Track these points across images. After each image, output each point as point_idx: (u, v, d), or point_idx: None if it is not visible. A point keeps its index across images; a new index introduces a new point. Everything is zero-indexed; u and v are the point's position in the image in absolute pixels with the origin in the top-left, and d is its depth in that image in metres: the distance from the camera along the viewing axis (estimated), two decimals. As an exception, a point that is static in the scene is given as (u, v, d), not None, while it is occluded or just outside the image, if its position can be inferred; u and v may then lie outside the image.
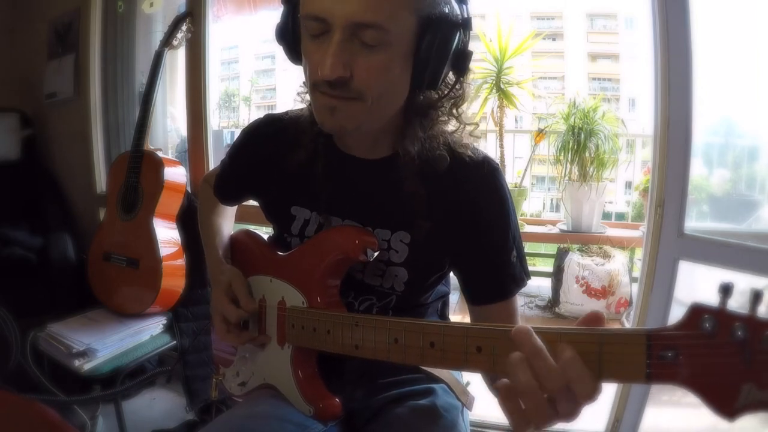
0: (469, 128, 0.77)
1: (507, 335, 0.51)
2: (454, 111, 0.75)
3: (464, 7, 0.66)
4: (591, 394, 0.46)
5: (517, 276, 0.79)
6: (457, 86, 0.72)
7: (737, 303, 0.42)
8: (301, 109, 0.81)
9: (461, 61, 0.68)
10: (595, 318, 0.50)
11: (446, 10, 0.65)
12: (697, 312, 0.43)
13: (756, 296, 0.40)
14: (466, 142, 0.77)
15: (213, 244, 0.93)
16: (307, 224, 0.81)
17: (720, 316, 0.41)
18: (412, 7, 0.62)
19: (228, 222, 1.01)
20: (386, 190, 0.77)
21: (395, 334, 0.62)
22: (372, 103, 0.65)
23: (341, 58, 0.61)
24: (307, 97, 0.78)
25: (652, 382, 0.44)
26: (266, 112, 0.91)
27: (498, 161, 3.20)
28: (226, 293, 0.81)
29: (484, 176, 0.76)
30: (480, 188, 0.75)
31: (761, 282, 1.39)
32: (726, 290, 0.41)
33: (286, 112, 0.85)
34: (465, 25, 0.66)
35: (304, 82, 0.77)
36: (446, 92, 0.72)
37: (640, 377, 0.45)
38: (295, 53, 0.71)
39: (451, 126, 0.76)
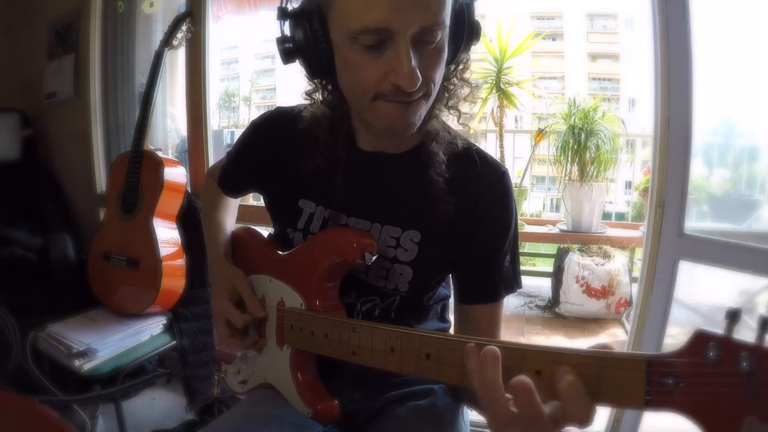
0: (475, 93, 0.78)
1: (504, 351, 0.51)
2: (465, 76, 0.76)
3: None
4: (585, 420, 0.45)
5: (508, 280, 0.79)
6: (467, 54, 0.74)
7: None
8: (311, 105, 0.79)
9: (477, 31, 0.71)
10: (604, 347, 0.48)
11: None
12: (701, 339, 0.41)
13: (764, 323, 0.38)
14: (479, 146, 0.79)
15: (216, 241, 0.92)
16: (312, 219, 0.81)
17: (725, 344, 0.39)
18: None
19: (230, 217, 1.00)
20: (403, 186, 0.77)
21: (392, 343, 0.62)
22: (432, 96, 0.68)
23: (414, 65, 0.61)
24: (314, 107, 0.77)
25: (651, 409, 0.43)
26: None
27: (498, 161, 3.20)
28: (230, 296, 0.80)
29: (496, 177, 0.78)
30: (490, 187, 0.77)
31: (761, 282, 1.39)
32: (733, 316, 0.39)
33: (298, 108, 0.82)
34: None
35: (309, 92, 0.76)
36: (460, 59, 0.74)
37: (638, 403, 0.43)
38: (321, 68, 0.69)
39: (464, 91, 0.77)
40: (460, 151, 0.77)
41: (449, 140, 0.76)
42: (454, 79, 0.75)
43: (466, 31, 0.69)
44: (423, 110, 0.68)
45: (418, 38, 0.61)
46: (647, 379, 0.43)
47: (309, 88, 0.76)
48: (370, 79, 0.63)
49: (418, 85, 0.62)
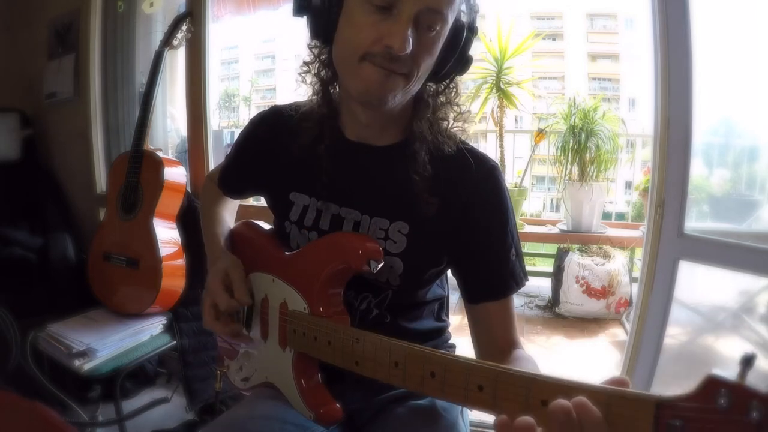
0: (465, 117, 0.81)
1: (510, 378, 0.50)
2: (455, 100, 0.80)
3: (475, 17, 0.74)
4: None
5: (516, 275, 0.79)
6: (454, 83, 0.79)
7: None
8: (307, 101, 0.81)
9: (467, 63, 0.75)
10: (620, 382, 0.47)
11: (470, 17, 0.73)
12: (712, 384, 0.40)
13: (747, 361, 0.38)
14: (468, 141, 0.81)
15: (215, 233, 0.93)
16: (306, 211, 0.81)
17: (737, 391, 0.38)
18: (456, 7, 0.69)
19: (230, 215, 1.01)
20: (389, 178, 0.78)
21: (396, 358, 0.61)
22: (412, 81, 0.70)
23: (410, 34, 0.65)
24: (309, 78, 0.79)
25: None
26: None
27: (498, 161, 3.23)
28: (222, 280, 0.79)
29: (486, 171, 0.78)
30: (480, 182, 0.77)
31: (761, 282, 1.38)
32: (747, 362, 0.39)
33: (295, 105, 0.84)
34: (476, 32, 0.74)
35: (307, 62, 0.78)
36: (449, 83, 0.78)
37: None
38: (326, 26, 0.71)
39: (453, 113, 0.80)
40: (450, 151, 0.77)
41: (437, 144, 0.77)
42: (442, 97, 0.78)
43: (456, 56, 0.73)
44: (400, 91, 0.70)
45: (420, 20, 0.65)
46: (655, 422, 0.42)
47: (308, 58, 0.79)
48: (366, 39, 0.66)
49: (407, 51, 0.65)
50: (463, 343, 0.93)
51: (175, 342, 1.69)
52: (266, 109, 0.90)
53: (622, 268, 2.73)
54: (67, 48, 2.19)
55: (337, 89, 0.79)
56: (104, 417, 1.70)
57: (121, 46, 2.21)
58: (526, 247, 3.79)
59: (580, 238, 2.91)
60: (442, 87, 0.78)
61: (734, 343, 1.44)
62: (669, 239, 1.32)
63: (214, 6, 2.05)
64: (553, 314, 2.93)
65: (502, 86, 3.09)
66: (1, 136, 2.18)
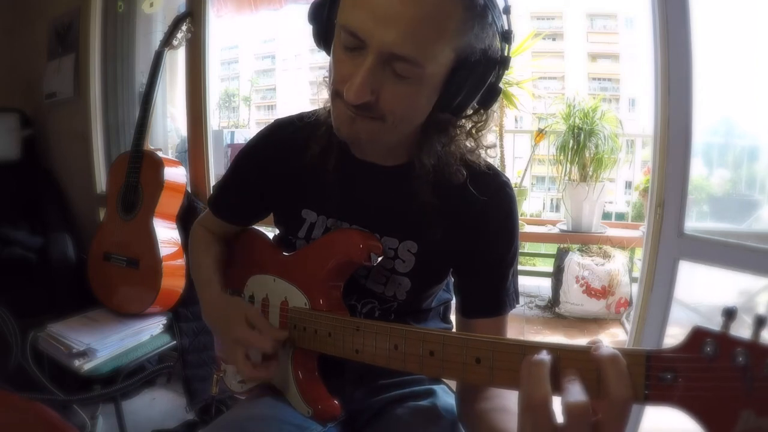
0: (487, 152, 0.76)
1: (506, 347, 0.52)
2: (474, 132, 0.73)
3: (506, 45, 0.64)
4: (581, 415, 0.43)
5: (511, 295, 0.79)
6: (480, 113, 0.71)
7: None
8: (315, 111, 0.79)
9: (490, 96, 0.67)
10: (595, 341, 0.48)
11: (486, 47, 0.62)
12: (698, 335, 0.42)
13: (759, 322, 0.39)
14: (481, 156, 0.76)
15: (208, 281, 0.85)
16: (314, 228, 0.81)
17: (721, 340, 0.41)
18: (454, 45, 0.60)
19: (219, 247, 0.92)
20: (398, 198, 0.76)
21: (395, 341, 0.62)
22: (392, 123, 0.64)
23: (370, 84, 0.59)
24: (324, 91, 0.76)
25: (650, 403, 0.44)
26: (266, 113, 0.89)
27: (498, 161, 3.22)
28: (248, 325, 0.73)
29: (497, 191, 0.76)
30: (491, 202, 0.75)
31: (761, 282, 1.39)
32: (730, 314, 0.41)
33: (300, 116, 0.82)
34: (503, 63, 0.65)
35: (325, 78, 0.75)
36: (469, 115, 0.71)
37: (638, 397, 0.44)
38: (325, 42, 0.68)
39: (469, 145, 0.75)
40: (463, 171, 0.73)
41: (437, 180, 0.72)
42: (459, 131, 0.72)
43: (479, 91, 0.64)
44: (378, 132, 0.65)
45: (387, 61, 0.58)
46: (646, 374, 0.44)
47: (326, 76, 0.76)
48: (337, 75, 0.63)
49: (360, 102, 0.59)
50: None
51: (175, 342, 1.69)
52: (268, 126, 0.86)
53: (622, 268, 2.73)
54: (67, 48, 2.19)
55: None
56: (104, 416, 1.70)
57: (121, 46, 2.21)
58: (526, 247, 3.79)
59: (580, 238, 2.91)
60: (459, 121, 0.71)
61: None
62: (669, 239, 1.32)
63: (214, 6, 2.05)
64: (553, 314, 2.93)
65: (502, 86, 3.09)
66: (1, 136, 2.18)
